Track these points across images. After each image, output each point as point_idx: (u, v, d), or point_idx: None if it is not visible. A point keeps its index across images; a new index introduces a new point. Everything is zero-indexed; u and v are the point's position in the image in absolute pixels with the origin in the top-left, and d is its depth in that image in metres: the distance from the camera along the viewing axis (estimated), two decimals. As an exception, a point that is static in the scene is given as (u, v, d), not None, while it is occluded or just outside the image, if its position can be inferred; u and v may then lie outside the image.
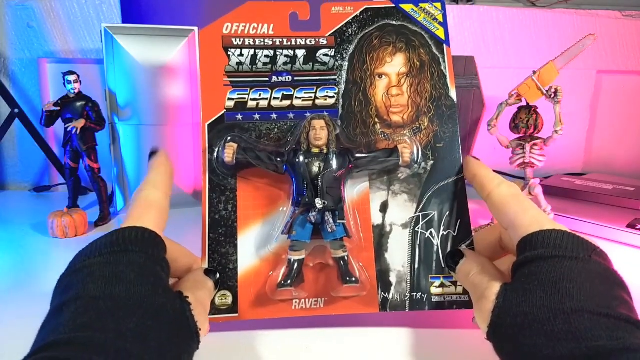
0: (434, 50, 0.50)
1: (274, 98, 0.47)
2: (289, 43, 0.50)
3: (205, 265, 0.42)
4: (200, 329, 0.32)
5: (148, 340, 0.26)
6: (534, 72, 0.70)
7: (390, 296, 0.42)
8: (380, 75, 0.48)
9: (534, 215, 0.36)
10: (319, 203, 0.41)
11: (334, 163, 0.43)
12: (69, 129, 0.85)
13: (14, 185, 1.16)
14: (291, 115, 0.46)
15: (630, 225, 0.74)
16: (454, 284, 0.43)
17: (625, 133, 1.24)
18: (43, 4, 1.07)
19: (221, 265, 0.42)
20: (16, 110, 1.06)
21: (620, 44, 1.19)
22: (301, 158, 0.43)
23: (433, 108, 0.48)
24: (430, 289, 0.43)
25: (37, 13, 1.07)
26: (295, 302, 0.40)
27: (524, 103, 0.73)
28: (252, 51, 0.49)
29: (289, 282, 0.40)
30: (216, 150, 0.45)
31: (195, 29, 1.00)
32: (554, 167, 1.17)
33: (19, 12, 1.07)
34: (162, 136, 0.97)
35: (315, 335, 0.42)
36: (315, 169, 0.43)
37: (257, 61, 0.49)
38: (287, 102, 0.47)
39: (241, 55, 0.49)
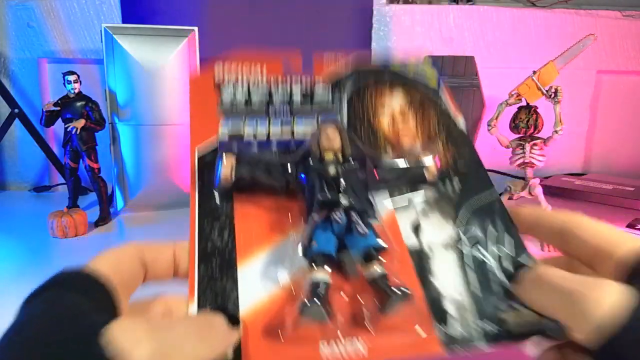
0: (430, 94, 0.49)
1: (273, 126, 0.44)
2: (284, 81, 0.48)
3: (195, 306, 0.33)
4: None
5: None
6: (534, 72, 0.70)
7: (453, 330, 0.33)
8: (382, 106, 0.48)
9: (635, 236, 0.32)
10: (343, 199, 0.34)
11: (356, 167, 0.37)
12: (69, 129, 0.85)
13: (14, 185, 1.16)
14: (294, 147, 0.42)
15: (630, 225, 0.74)
16: (528, 308, 0.35)
17: (625, 133, 1.24)
18: (43, 4, 1.07)
19: (216, 304, 0.33)
20: (16, 110, 1.06)
21: (620, 44, 1.19)
22: (316, 162, 0.37)
23: (444, 132, 0.46)
24: (501, 316, 0.35)
25: (37, 13, 1.07)
26: (323, 344, 0.30)
27: (524, 103, 0.73)
28: (245, 88, 0.47)
29: (316, 301, 0.30)
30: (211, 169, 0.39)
31: (196, 29, 1.00)
32: (554, 167, 1.17)
33: (19, 12, 1.07)
34: (162, 136, 0.97)
35: None
36: (333, 170, 0.36)
37: (252, 97, 0.47)
38: (287, 128, 0.44)
39: (234, 92, 0.47)
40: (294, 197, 0.38)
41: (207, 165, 0.40)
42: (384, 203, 0.40)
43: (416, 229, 0.39)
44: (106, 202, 0.91)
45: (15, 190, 1.16)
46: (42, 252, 0.75)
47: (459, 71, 0.93)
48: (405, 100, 0.47)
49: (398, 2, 1.27)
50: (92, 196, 0.97)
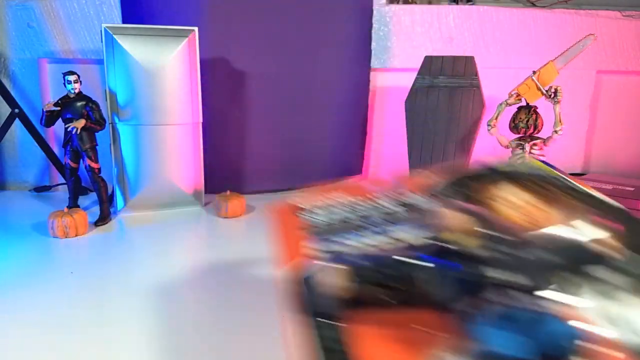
0: (555, 180, 0.41)
1: (367, 239, 0.37)
2: (375, 198, 0.43)
3: None
4: None
5: None
6: (534, 72, 0.71)
7: None
8: (492, 199, 0.39)
9: None
10: (493, 273, 0.24)
11: (496, 240, 0.28)
12: (69, 129, 0.85)
13: (14, 185, 1.16)
14: (411, 256, 0.33)
15: (630, 225, 0.74)
16: None
17: (625, 133, 1.25)
18: (43, 4, 1.07)
19: None
20: (16, 110, 1.06)
21: (620, 44, 1.19)
22: (441, 244, 0.29)
23: (593, 207, 0.37)
24: None
25: (37, 13, 1.07)
26: None
27: (524, 103, 0.73)
28: (338, 209, 0.42)
29: None
30: (313, 288, 0.33)
31: (196, 29, 1.01)
32: (554, 167, 1.18)
33: (19, 12, 1.07)
34: (162, 136, 0.97)
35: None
36: (467, 247, 0.28)
37: (346, 215, 0.40)
38: (386, 239, 0.37)
39: (322, 215, 0.41)
40: (418, 301, 0.31)
41: (301, 289, 0.35)
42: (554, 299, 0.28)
43: (611, 318, 0.29)
44: (106, 202, 0.91)
45: (15, 190, 1.16)
46: (42, 252, 0.75)
47: (459, 71, 0.93)
48: (520, 186, 0.38)
49: (398, 2, 1.27)
50: (92, 196, 0.97)
